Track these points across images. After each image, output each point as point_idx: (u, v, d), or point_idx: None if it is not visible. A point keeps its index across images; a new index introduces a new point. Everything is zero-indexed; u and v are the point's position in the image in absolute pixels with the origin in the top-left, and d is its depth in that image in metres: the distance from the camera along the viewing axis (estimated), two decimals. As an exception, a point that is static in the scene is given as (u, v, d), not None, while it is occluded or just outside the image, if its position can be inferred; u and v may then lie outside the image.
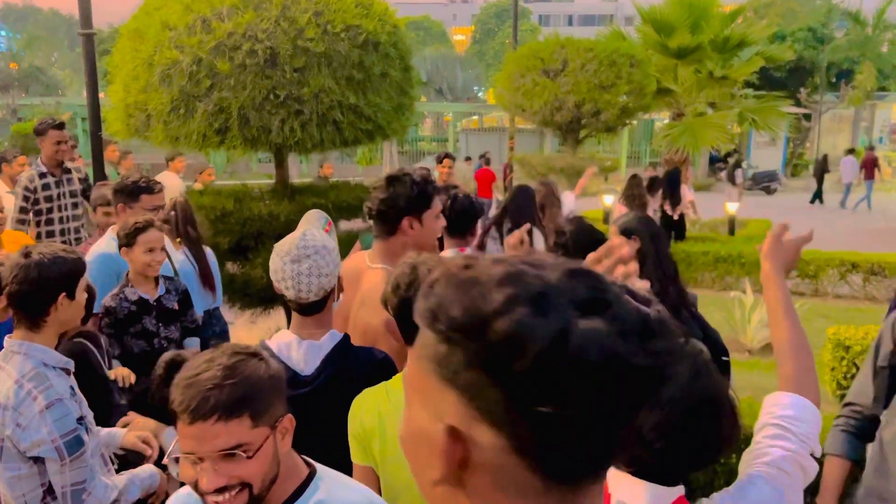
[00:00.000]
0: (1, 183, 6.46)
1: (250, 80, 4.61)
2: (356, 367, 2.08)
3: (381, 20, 5.11)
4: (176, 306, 3.46)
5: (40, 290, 2.21)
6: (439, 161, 7.97)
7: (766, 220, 12.98)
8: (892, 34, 33.36)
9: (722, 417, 1.30)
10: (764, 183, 23.44)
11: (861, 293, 9.07)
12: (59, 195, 5.41)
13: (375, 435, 1.87)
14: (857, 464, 2.27)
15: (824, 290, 9.20)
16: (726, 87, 14.39)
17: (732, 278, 9.27)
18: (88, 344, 2.88)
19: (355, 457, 1.94)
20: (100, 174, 6.26)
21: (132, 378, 3.04)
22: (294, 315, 2.13)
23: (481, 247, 4.79)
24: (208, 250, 4.35)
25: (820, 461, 1.43)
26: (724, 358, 2.47)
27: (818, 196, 20.73)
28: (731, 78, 14.12)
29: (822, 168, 20.99)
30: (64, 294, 2.25)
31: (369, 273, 2.54)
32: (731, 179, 15.94)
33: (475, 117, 34.21)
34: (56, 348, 2.32)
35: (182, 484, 1.53)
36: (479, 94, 41.27)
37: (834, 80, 31.81)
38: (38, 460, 2.16)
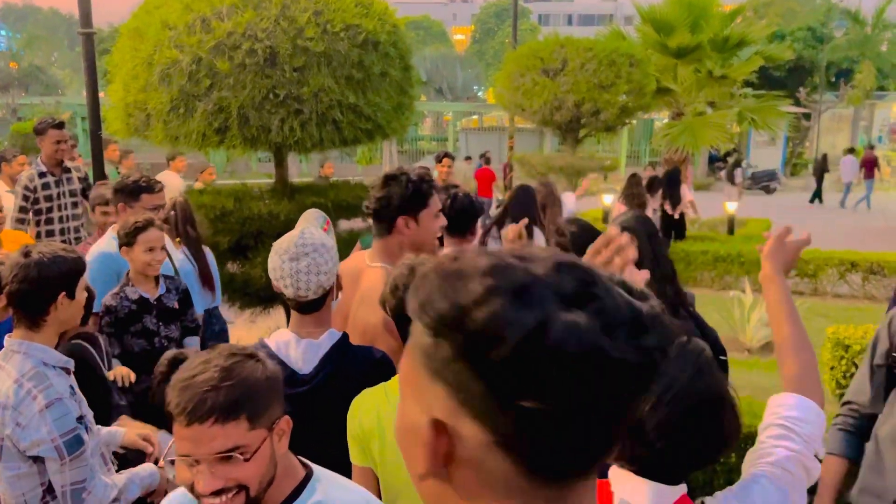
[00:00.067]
0: (0, 182, 6.46)
1: (250, 80, 4.61)
2: (354, 366, 2.08)
3: (381, 19, 5.11)
4: (176, 305, 3.46)
5: (40, 289, 2.21)
6: (439, 160, 7.96)
7: (766, 220, 12.99)
8: (892, 33, 33.36)
9: (724, 416, 1.31)
10: (763, 182, 23.44)
11: (860, 292, 9.08)
12: (58, 194, 5.41)
13: (374, 436, 1.87)
14: (855, 462, 2.27)
15: (823, 290, 9.21)
16: (726, 87, 14.38)
17: (732, 277, 9.27)
18: (87, 345, 2.88)
19: (354, 458, 1.94)
20: (99, 173, 6.26)
21: (132, 377, 3.04)
22: (293, 313, 2.13)
23: (482, 246, 4.79)
24: (207, 250, 4.36)
25: (818, 460, 1.43)
26: (722, 357, 2.47)
27: (818, 195, 20.73)
28: (730, 77, 14.12)
29: (821, 167, 21.00)
30: (64, 293, 2.25)
31: (369, 272, 2.54)
32: (731, 179, 15.96)
33: (475, 117, 34.19)
34: (55, 349, 2.32)
35: None
36: (479, 94, 41.26)
37: (833, 79, 31.82)
38: (37, 459, 2.16)
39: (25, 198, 5.27)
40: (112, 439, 2.54)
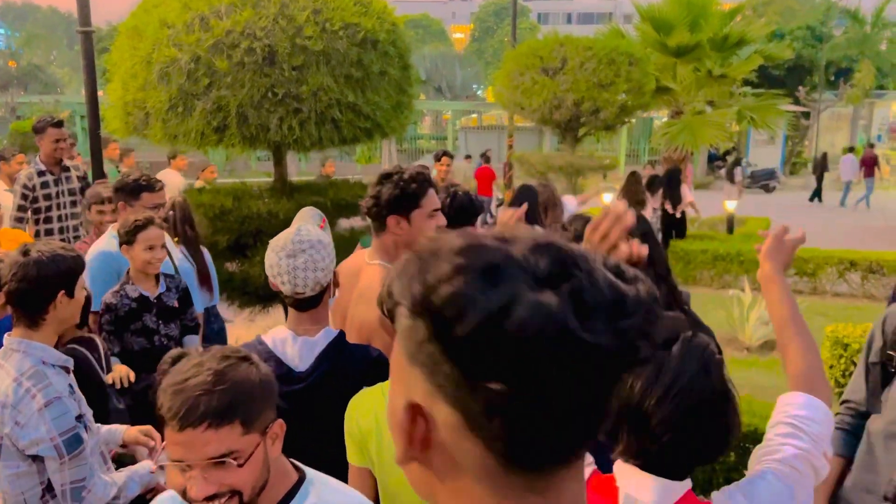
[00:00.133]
0: (-1, 181, 6.46)
1: (249, 79, 4.60)
2: (351, 365, 2.08)
3: (380, 18, 5.11)
4: (176, 304, 3.46)
5: (39, 288, 2.21)
6: (437, 159, 7.96)
7: (765, 219, 12.99)
8: (891, 32, 33.35)
9: (728, 411, 1.31)
10: (763, 181, 23.45)
11: (859, 291, 9.08)
12: (57, 193, 5.40)
13: (372, 436, 1.86)
14: (851, 461, 2.27)
15: (823, 289, 9.21)
16: (725, 86, 14.38)
17: (731, 276, 9.28)
18: (84, 350, 2.87)
19: (351, 458, 1.94)
20: (98, 172, 6.25)
21: (132, 377, 3.04)
22: (290, 311, 2.14)
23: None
24: (204, 250, 4.36)
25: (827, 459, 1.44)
26: (718, 356, 2.48)
27: (817, 194, 20.73)
28: (729, 76, 14.12)
29: (821, 166, 20.99)
30: (63, 292, 2.25)
31: (367, 269, 2.54)
32: (731, 177, 15.95)
33: (474, 115, 34.19)
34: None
35: None
36: (478, 93, 41.24)
37: (832, 78, 31.82)
38: (37, 458, 2.17)
39: (24, 196, 5.27)
40: (112, 437, 2.54)
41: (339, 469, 1.92)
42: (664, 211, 9.87)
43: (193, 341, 3.54)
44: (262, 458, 1.38)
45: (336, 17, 4.79)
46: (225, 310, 5.29)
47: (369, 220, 2.58)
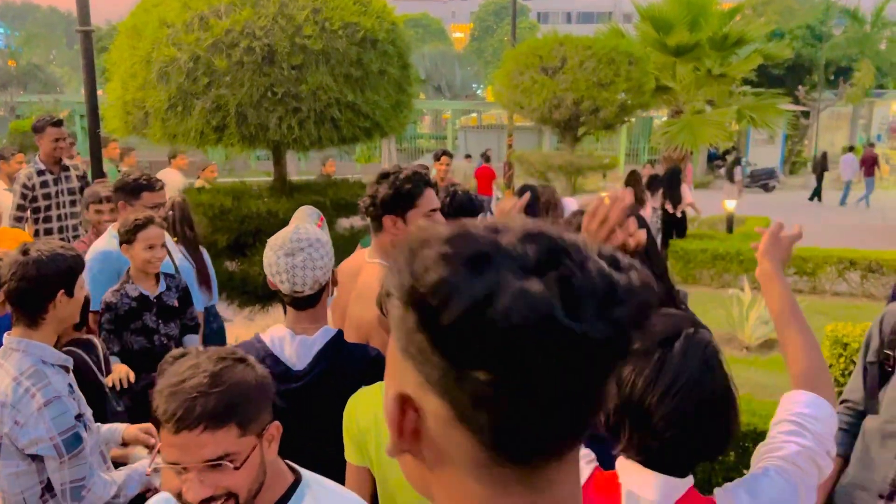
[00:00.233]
0: (-1, 180, 6.46)
1: (248, 78, 4.60)
2: (350, 364, 2.08)
3: (380, 17, 5.11)
4: (176, 303, 3.46)
5: (39, 287, 2.21)
6: (437, 158, 7.95)
7: (765, 218, 12.99)
8: (891, 32, 33.34)
9: (730, 409, 1.31)
10: (762, 180, 23.45)
11: (859, 290, 9.09)
12: (57, 193, 5.40)
13: (371, 435, 1.86)
14: (848, 460, 2.28)
15: (822, 288, 9.22)
16: (725, 85, 14.39)
17: (731, 275, 9.28)
18: (81, 353, 2.87)
19: (350, 456, 1.94)
20: (98, 172, 6.25)
21: (132, 377, 3.04)
22: (289, 310, 2.14)
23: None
24: (202, 250, 4.36)
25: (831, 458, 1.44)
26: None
27: (817, 194, 20.74)
28: (729, 75, 14.13)
29: (821, 165, 20.99)
30: (62, 291, 2.25)
31: (366, 268, 2.55)
32: (730, 177, 15.96)
33: (474, 115, 34.19)
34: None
35: None
36: (478, 92, 41.22)
37: (832, 77, 31.82)
38: (36, 457, 2.16)
39: (24, 196, 5.27)
40: (112, 436, 2.54)
41: (337, 468, 1.92)
42: (664, 210, 9.88)
43: (193, 341, 3.54)
44: (259, 461, 1.37)
45: (335, 16, 4.79)
46: (224, 309, 5.30)
47: (368, 220, 2.59)
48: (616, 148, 25.99)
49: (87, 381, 2.74)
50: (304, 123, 4.75)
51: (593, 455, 1.43)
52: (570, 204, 6.39)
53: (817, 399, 1.44)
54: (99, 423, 2.48)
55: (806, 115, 28.68)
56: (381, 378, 1.93)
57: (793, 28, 31.39)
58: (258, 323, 5.64)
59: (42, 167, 5.34)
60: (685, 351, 1.28)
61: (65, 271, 2.26)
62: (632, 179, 8.64)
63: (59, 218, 5.43)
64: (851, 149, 21.98)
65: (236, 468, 1.32)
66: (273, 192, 5.61)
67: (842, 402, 2.38)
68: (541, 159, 13.64)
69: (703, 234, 11.20)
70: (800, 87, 28.16)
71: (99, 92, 6.52)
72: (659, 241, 9.99)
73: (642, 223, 2.81)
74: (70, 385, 2.28)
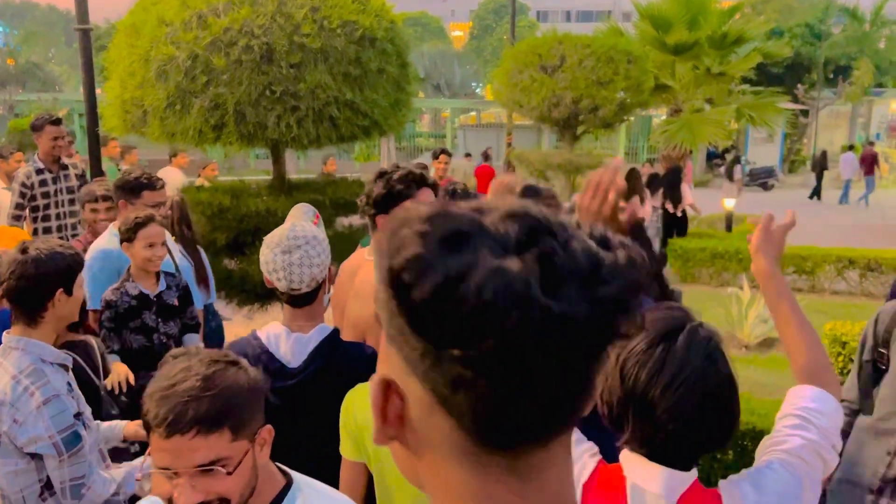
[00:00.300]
0: (-3, 179, 6.45)
1: (246, 76, 4.60)
2: (345, 362, 2.09)
3: (378, 16, 5.11)
4: (176, 302, 3.46)
5: (38, 285, 2.21)
6: (435, 157, 7.96)
7: (764, 217, 12.98)
8: (890, 30, 33.37)
9: (733, 401, 1.31)
10: (761, 179, 23.47)
11: (858, 289, 9.09)
12: (55, 191, 5.40)
13: (368, 430, 1.87)
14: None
15: (821, 287, 9.22)
16: (724, 84, 14.39)
17: (729, 274, 9.29)
18: (76, 357, 2.86)
19: (346, 451, 1.94)
20: (97, 170, 6.25)
21: (131, 378, 3.03)
22: (285, 307, 2.14)
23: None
24: (200, 249, 4.37)
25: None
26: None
27: (817, 192, 20.74)
28: (728, 74, 14.13)
29: (821, 164, 20.99)
30: (61, 290, 2.25)
31: (365, 266, 2.55)
32: (730, 175, 15.96)
33: (473, 113, 34.18)
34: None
35: None
36: (477, 91, 41.21)
37: (831, 76, 31.84)
38: (35, 456, 2.16)
39: (22, 195, 5.26)
40: (112, 434, 2.54)
41: (331, 466, 1.92)
42: (665, 210, 9.88)
43: (194, 340, 3.54)
44: (251, 465, 1.36)
45: (334, 14, 4.79)
46: (223, 308, 5.30)
47: (366, 219, 2.59)
48: (615, 147, 25.98)
49: (81, 382, 2.74)
50: (303, 122, 4.75)
51: (596, 448, 1.43)
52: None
53: (822, 393, 1.44)
54: (98, 421, 2.48)
55: (805, 113, 28.70)
56: None
57: (792, 26, 31.40)
58: (257, 321, 5.64)
59: (41, 166, 5.34)
60: (688, 344, 1.28)
61: (64, 270, 2.26)
62: (631, 177, 8.64)
63: (57, 217, 5.43)
64: (851, 147, 21.98)
65: (229, 473, 1.30)
66: (272, 191, 5.61)
67: (840, 401, 2.38)
68: (540, 158, 13.61)
69: (702, 232, 11.20)
70: (799, 85, 28.18)
71: (98, 90, 6.52)
72: (659, 240, 10.00)
73: (640, 228, 2.82)
74: (69, 383, 2.28)
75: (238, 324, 5.89)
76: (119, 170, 7.61)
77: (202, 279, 4.25)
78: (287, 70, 4.64)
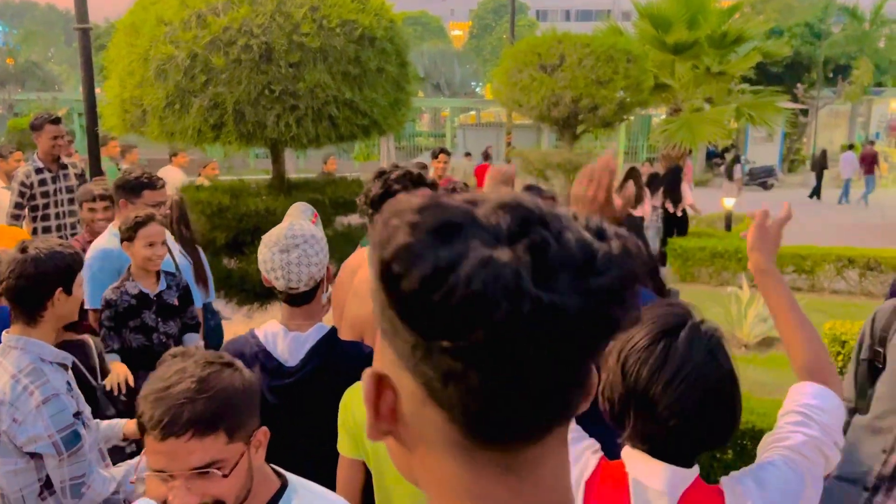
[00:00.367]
0: (-3, 178, 6.45)
1: (245, 76, 4.60)
2: (343, 361, 2.08)
3: (378, 15, 5.11)
4: (176, 302, 3.46)
5: (37, 285, 2.21)
6: (434, 156, 7.96)
7: (763, 216, 12.98)
8: (890, 30, 33.36)
9: (734, 398, 1.31)
10: (761, 178, 23.47)
11: (857, 288, 9.09)
12: (55, 191, 5.40)
13: (367, 428, 1.87)
14: None
15: (821, 286, 9.22)
16: (723, 83, 14.37)
17: (729, 273, 9.29)
18: (74, 359, 2.86)
19: (344, 448, 1.93)
20: (96, 170, 6.24)
21: (130, 379, 3.04)
22: (284, 306, 2.14)
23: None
24: (199, 249, 4.37)
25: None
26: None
27: (816, 192, 20.74)
28: (728, 73, 14.11)
29: (820, 164, 21.00)
30: (61, 289, 2.25)
31: (364, 265, 2.55)
32: (729, 175, 15.95)
33: (472, 113, 34.16)
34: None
35: None
36: (477, 90, 41.19)
37: (831, 75, 31.84)
38: (35, 455, 2.16)
39: (21, 194, 5.26)
40: (112, 432, 2.54)
41: (328, 464, 1.92)
42: (665, 209, 9.88)
43: (194, 339, 3.54)
44: (246, 467, 1.35)
45: (333, 13, 4.79)
46: (223, 307, 5.30)
47: (366, 219, 2.59)
48: (615, 146, 25.98)
49: (78, 383, 2.74)
50: (302, 121, 4.75)
51: (598, 445, 1.44)
52: None
53: (824, 390, 1.44)
54: (98, 420, 2.48)
55: (805, 112, 28.69)
56: None
57: (792, 26, 31.39)
58: (256, 321, 5.64)
59: (40, 165, 5.34)
60: (690, 340, 1.28)
61: (63, 269, 2.26)
62: (631, 176, 8.64)
63: (57, 216, 5.43)
64: (851, 147, 21.98)
65: (224, 476, 1.30)
66: (271, 190, 5.61)
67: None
68: (539, 157, 13.60)
69: (702, 231, 11.21)
70: (798, 84, 28.18)
71: (97, 90, 6.52)
72: (659, 240, 10.00)
73: (632, 220, 2.82)
74: (68, 382, 2.28)
75: (238, 323, 5.89)
76: (119, 169, 7.62)
77: (201, 278, 4.26)
78: (286, 69, 4.64)
